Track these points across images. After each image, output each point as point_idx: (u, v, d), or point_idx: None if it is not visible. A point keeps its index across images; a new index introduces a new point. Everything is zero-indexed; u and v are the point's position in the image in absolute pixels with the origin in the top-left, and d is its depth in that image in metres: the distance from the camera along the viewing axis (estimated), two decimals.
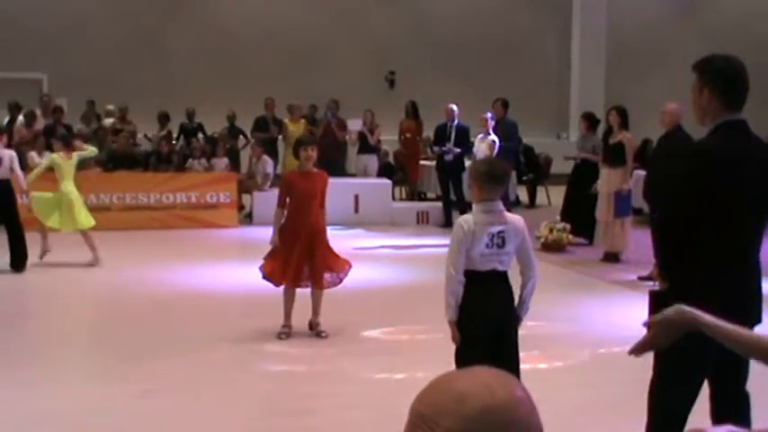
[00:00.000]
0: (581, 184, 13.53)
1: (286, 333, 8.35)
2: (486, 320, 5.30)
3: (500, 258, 5.27)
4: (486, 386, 1.58)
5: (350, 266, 8.46)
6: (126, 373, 7.28)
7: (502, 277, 5.35)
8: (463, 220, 5.30)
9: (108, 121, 18.63)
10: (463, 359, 5.26)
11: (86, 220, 12.22)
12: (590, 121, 13.96)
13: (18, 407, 6.48)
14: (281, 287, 8.34)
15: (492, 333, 5.31)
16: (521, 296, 5.50)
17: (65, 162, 12.08)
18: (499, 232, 5.22)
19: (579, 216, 13.50)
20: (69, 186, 12.04)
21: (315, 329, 8.44)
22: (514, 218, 5.42)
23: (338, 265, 8.39)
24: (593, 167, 13.23)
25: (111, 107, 18.98)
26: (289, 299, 8.34)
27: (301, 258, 8.17)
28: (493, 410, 1.55)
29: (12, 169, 11.78)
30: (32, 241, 11.67)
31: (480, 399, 1.56)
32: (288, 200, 8.26)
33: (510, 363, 5.21)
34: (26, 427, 6.15)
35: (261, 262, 8.39)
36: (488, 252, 5.21)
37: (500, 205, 5.32)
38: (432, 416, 1.56)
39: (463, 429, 1.54)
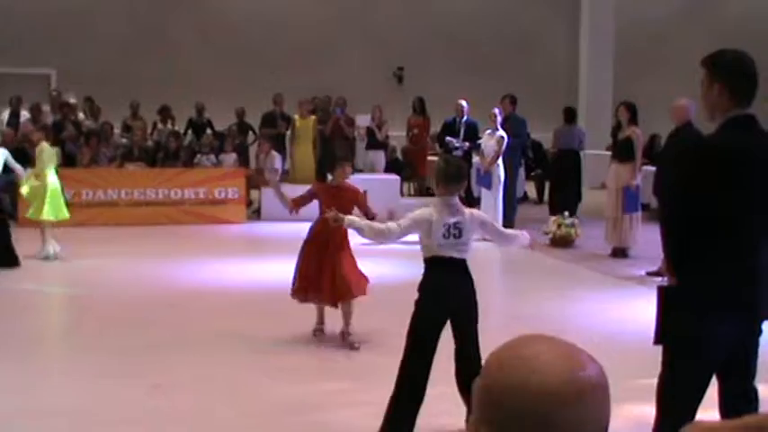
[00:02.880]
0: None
1: (320, 330, 8.28)
2: (445, 302, 5.58)
3: (458, 248, 5.57)
4: (562, 361, 1.49)
5: (363, 291, 8.06)
6: (134, 368, 7.30)
7: (460, 264, 5.62)
8: (424, 210, 5.66)
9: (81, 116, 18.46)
10: (415, 340, 5.53)
11: (63, 211, 12.16)
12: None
13: (27, 400, 6.50)
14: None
15: (451, 315, 5.59)
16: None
17: (50, 152, 12.09)
18: (455, 223, 5.54)
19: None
20: (53, 176, 12.03)
21: (346, 339, 8.06)
22: (472, 210, 5.82)
23: (355, 287, 7.93)
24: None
25: (72, 100, 18.73)
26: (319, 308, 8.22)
27: (319, 273, 7.86)
28: (557, 392, 1.45)
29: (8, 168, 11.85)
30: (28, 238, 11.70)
31: (547, 376, 1.47)
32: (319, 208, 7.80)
33: (470, 347, 5.57)
34: (35, 421, 6.17)
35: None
36: (445, 242, 5.53)
37: (456, 200, 5.66)
38: (489, 380, 1.50)
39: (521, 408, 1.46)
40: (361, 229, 5.74)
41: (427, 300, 5.57)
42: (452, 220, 5.51)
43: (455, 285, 5.59)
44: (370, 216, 7.35)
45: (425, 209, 5.64)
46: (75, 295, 10.47)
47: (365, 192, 8.16)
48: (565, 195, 16.19)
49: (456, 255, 5.55)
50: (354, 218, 6.05)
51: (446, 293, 5.56)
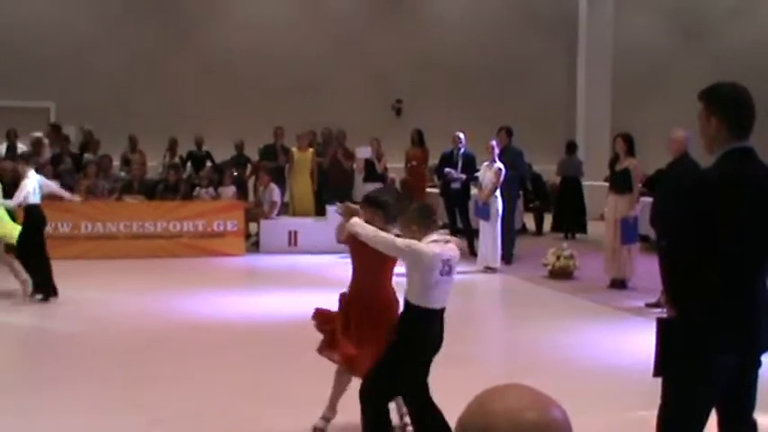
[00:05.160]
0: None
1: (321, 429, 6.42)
2: (433, 349, 5.60)
3: (447, 288, 5.48)
4: (528, 402, 1.63)
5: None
6: (133, 402, 7.27)
7: (441, 315, 5.59)
8: (428, 245, 5.43)
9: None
10: (405, 376, 5.58)
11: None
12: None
13: None
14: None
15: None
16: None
17: None
18: (447, 260, 5.41)
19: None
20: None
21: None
22: (455, 248, 5.62)
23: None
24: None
25: (38, 134, 18.43)
26: (339, 383, 6.46)
27: (361, 340, 6.06)
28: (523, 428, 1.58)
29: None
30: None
31: (515, 415, 1.59)
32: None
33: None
34: None
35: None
36: (441, 279, 5.40)
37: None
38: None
39: None
40: (368, 236, 5.49)
41: (420, 347, 5.56)
42: (446, 257, 5.40)
43: (440, 333, 5.60)
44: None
45: (429, 244, 5.40)
46: (73, 328, 10.43)
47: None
48: (570, 218, 18.77)
49: (444, 303, 5.51)
50: (361, 222, 5.65)
51: (434, 341, 5.57)
